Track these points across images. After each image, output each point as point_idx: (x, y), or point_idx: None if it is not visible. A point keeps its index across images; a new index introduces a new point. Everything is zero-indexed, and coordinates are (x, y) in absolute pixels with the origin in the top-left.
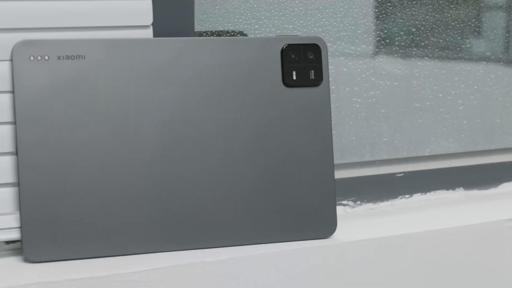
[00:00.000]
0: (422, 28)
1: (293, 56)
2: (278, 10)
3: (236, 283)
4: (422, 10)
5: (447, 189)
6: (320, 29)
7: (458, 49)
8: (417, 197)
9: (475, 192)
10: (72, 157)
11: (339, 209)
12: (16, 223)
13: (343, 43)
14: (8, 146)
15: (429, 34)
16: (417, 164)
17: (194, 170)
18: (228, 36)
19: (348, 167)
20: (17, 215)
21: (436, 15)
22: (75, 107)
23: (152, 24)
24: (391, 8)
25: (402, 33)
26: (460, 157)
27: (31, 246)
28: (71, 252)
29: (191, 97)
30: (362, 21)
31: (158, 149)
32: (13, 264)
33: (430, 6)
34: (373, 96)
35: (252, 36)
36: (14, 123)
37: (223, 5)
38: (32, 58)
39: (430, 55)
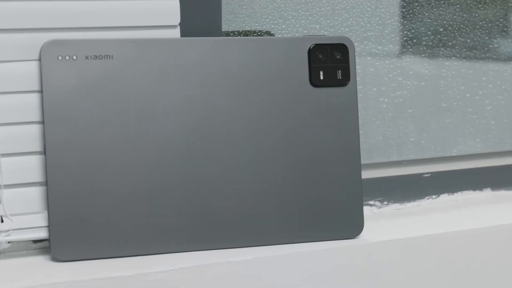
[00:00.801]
0: (449, 28)
1: (320, 56)
2: (305, 10)
3: (261, 283)
4: (449, 10)
5: (474, 189)
6: (347, 29)
7: (486, 49)
8: (444, 198)
9: (502, 193)
10: (99, 157)
11: (366, 209)
12: (44, 222)
13: (370, 43)
14: (36, 146)
15: (456, 34)
16: (444, 164)
17: (220, 170)
18: (255, 36)
19: (375, 167)
20: (45, 214)
21: (464, 15)
22: (103, 107)
23: (180, 24)
24: (418, 8)
25: (429, 33)
26: (488, 157)
27: (58, 245)
28: (98, 251)
29: (218, 97)
30: (389, 21)
31: (185, 148)
32: (40, 263)
33: (458, 6)
34: (400, 96)
35: (279, 36)
36: (42, 122)
37: (250, 5)
38: (60, 58)
39: (458, 55)
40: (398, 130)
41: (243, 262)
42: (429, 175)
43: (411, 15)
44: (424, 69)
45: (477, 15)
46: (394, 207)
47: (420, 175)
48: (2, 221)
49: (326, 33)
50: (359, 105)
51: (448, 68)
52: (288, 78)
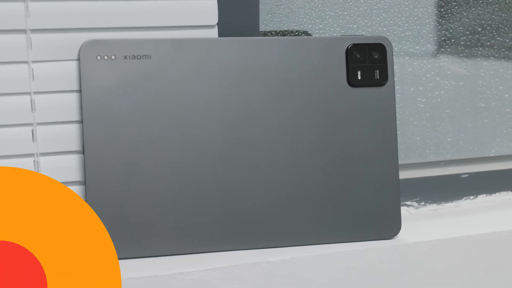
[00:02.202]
0: (488, 28)
1: (358, 56)
2: (343, 9)
3: (299, 283)
4: (488, 10)
5: None
6: (385, 29)
7: None
8: (482, 198)
9: None
10: (137, 156)
11: (403, 210)
12: None
13: (408, 43)
14: (75, 145)
15: (495, 33)
16: (482, 165)
17: (258, 170)
18: (292, 35)
19: (412, 168)
20: None
21: (503, 14)
22: (141, 106)
23: (217, 24)
24: (456, 7)
25: (467, 32)
26: None
27: None
28: (135, 250)
29: (256, 97)
30: (427, 21)
31: (223, 148)
32: None
33: (496, 6)
34: (437, 96)
35: (317, 36)
36: (81, 122)
37: (287, 4)
38: (99, 57)
39: (496, 55)
40: (435, 130)
41: (281, 262)
42: (467, 175)
43: (449, 15)
44: (462, 69)
45: None
46: (431, 207)
47: (457, 176)
48: None
49: (363, 33)
50: (397, 105)
51: (486, 68)
52: (326, 78)
